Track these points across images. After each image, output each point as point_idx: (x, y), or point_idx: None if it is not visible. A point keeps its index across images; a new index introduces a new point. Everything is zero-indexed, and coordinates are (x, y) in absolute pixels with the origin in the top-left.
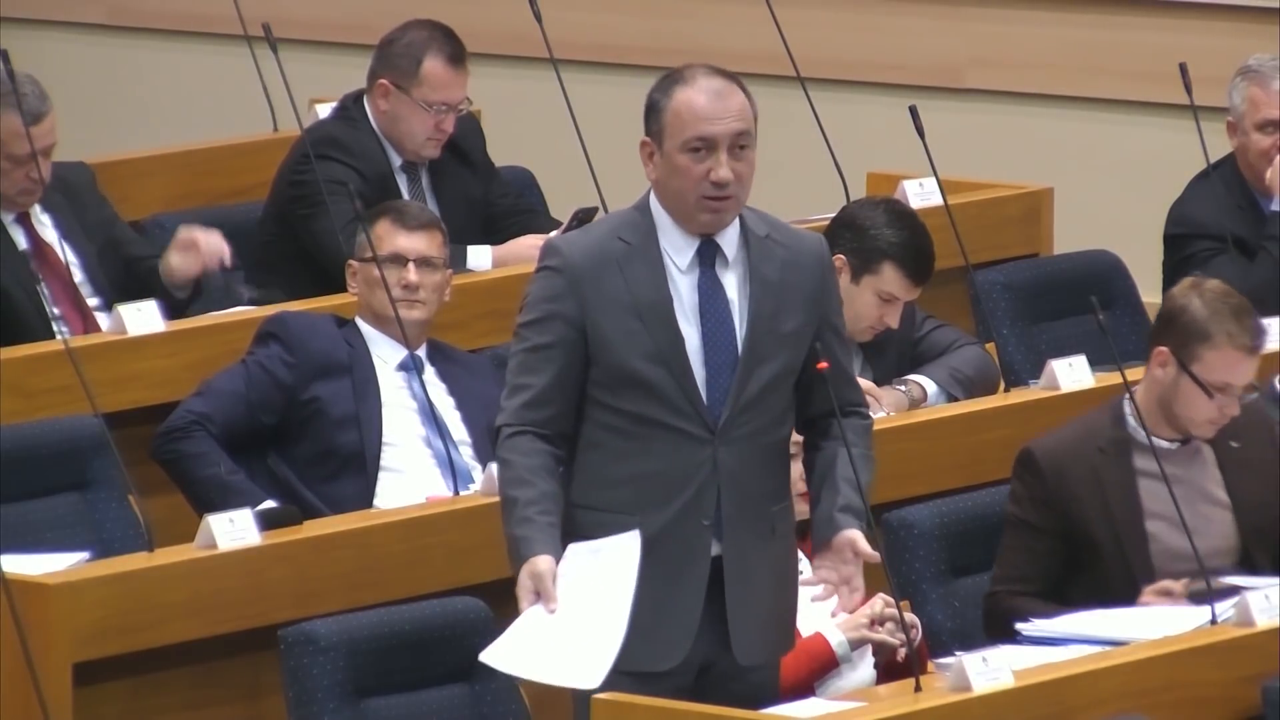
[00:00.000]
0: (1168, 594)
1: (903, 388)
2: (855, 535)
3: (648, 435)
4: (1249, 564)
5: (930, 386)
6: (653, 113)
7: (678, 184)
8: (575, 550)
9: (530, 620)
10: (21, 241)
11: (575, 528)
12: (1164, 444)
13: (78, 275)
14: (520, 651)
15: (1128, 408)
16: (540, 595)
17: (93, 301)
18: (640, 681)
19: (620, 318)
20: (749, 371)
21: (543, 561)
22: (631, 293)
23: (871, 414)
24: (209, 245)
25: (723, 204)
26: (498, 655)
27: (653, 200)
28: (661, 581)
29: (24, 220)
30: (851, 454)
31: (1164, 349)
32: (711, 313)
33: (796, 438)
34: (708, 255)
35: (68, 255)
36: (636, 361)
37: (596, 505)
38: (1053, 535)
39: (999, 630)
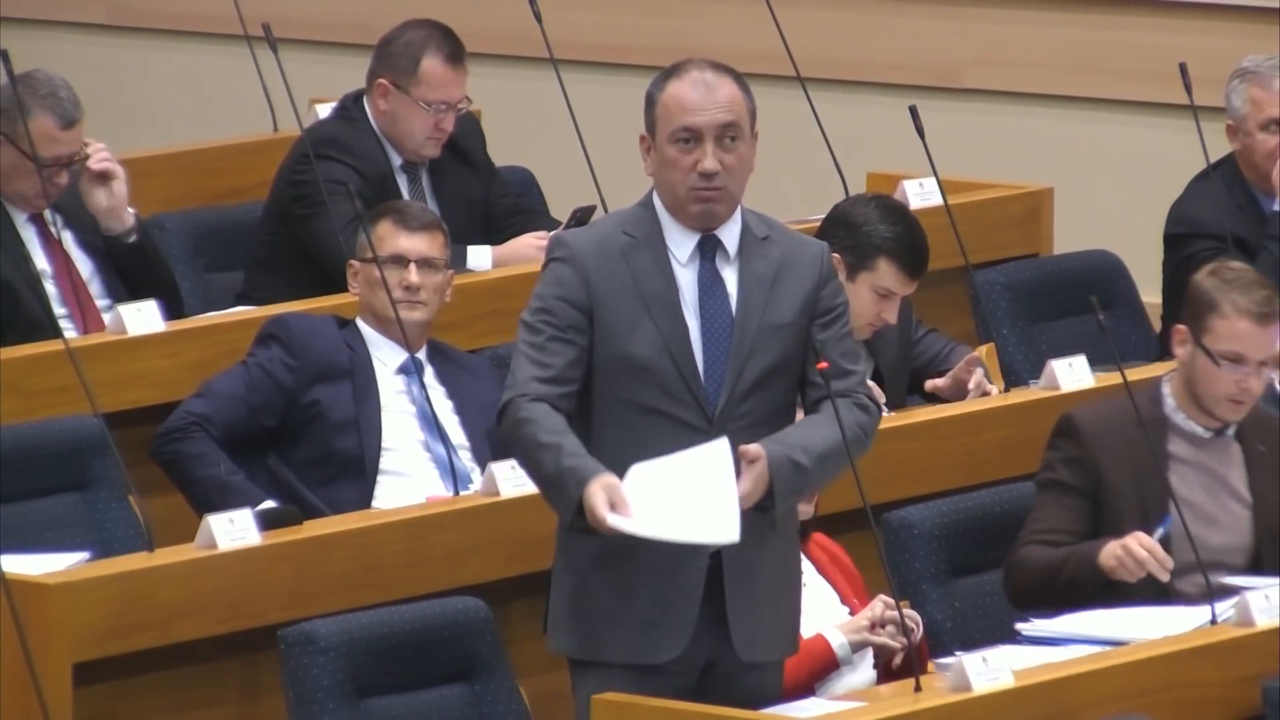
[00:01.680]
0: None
1: None
2: (753, 450)
3: (647, 425)
4: (1260, 563)
5: None
6: (647, 106)
7: (669, 176)
8: (639, 469)
9: (624, 517)
10: (33, 239)
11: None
12: (1198, 430)
13: (86, 274)
14: (646, 517)
15: (1165, 388)
16: (615, 504)
17: (102, 303)
18: (641, 678)
19: (626, 306)
20: (742, 362)
21: (610, 477)
22: (637, 283)
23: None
24: (98, 164)
25: (712, 194)
26: (626, 521)
27: (655, 195)
28: (659, 573)
29: (37, 220)
30: (838, 411)
31: (1182, 327)
32: (710, 304)
33: None
34: (708, 249)
35: (78, 255)
36: (640, 348)
37: None
38: (1084, 495)
39: (1011, 580)
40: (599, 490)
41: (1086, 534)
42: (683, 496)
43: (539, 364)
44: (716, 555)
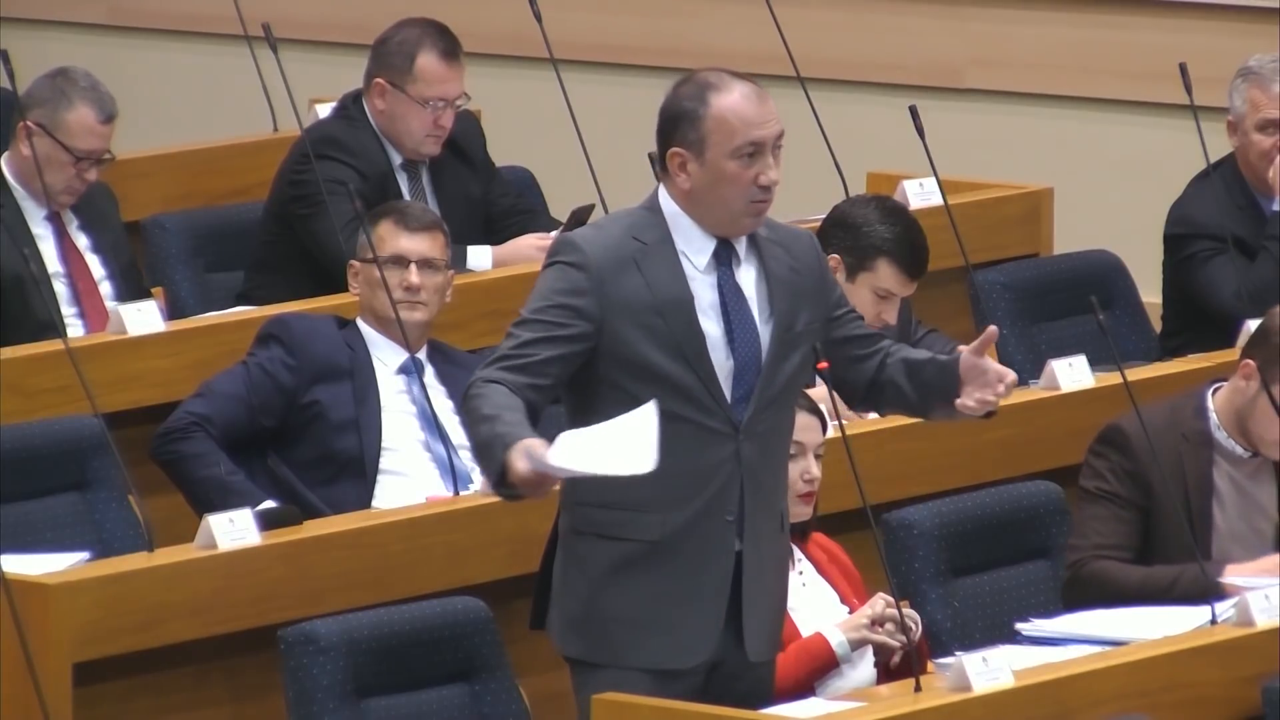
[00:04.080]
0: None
1: None
2: (966, 350)
3: (671, 432)
4: None
5: None
6: (687, 122)
7: (726, 191)
8: (566, 435)
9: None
10: (49, 237)
11: (595, 527)
12: (1238, 450)
13: (98, 277)
14: (567, 455)
15: (1210, 403)
16: (533, 458)
17: (112, 305)
18: (657, 682)
19: (641, 315)
20: (774, 369)
21: (537, 440)
22: (651, 290)
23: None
24: None
25: (766, 206)
26: (539, 462)
27: (664, 201)
28: (684, 578)
29: (54, 219)
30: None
31: (1251, 362)
32: (735, 311)
33: (805, 437)
34: (724, 256)
35: (92, 259)
36: (659, 358)
37: (617, 504)
38: (1138, 509)
39: (1085, 594)
40: (520, 450)
41: (1141, 548)
42: (604, 444)
43: (514, 355)
44: (737, 555)
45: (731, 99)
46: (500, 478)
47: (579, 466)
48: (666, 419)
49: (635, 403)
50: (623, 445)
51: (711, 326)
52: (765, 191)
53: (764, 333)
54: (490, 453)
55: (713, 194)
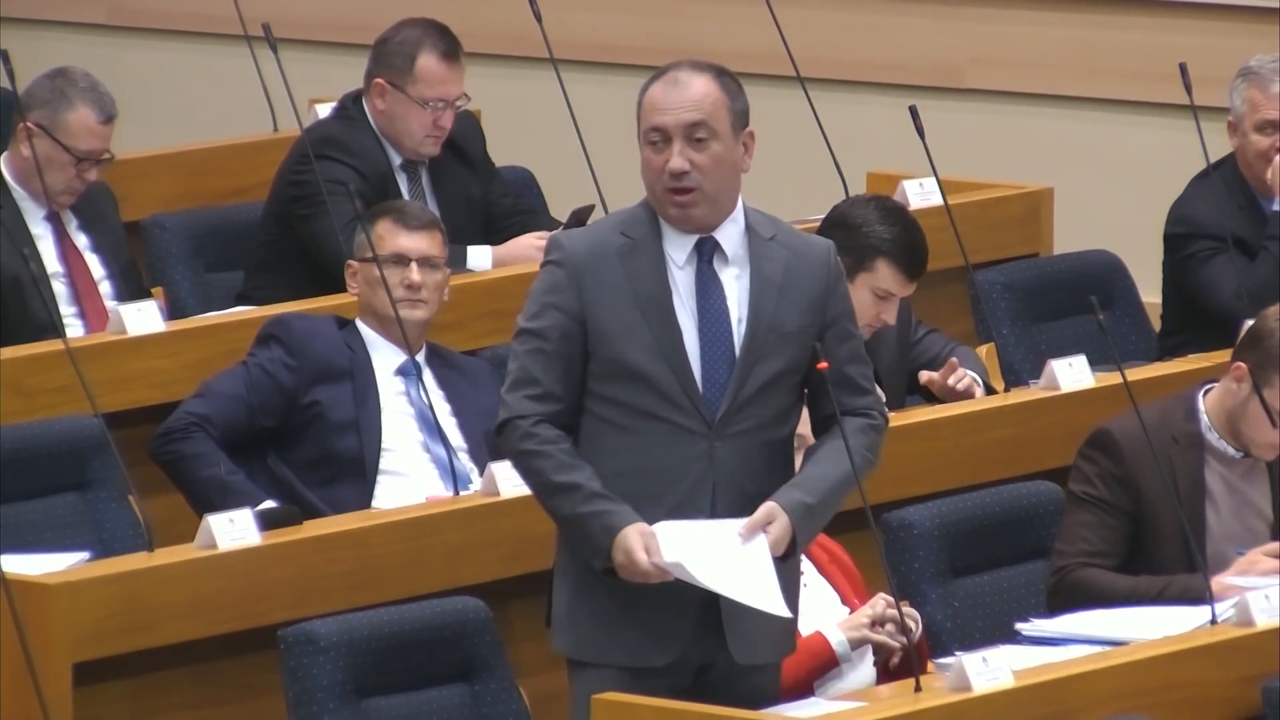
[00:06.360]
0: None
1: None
2: (770, 507)
3: (644, 429)
4: None
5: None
6: (637, 111)
7: (646, 177)
8: (664, 526)
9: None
10: (48, 237)
11: None
12: (1229, 450)
13: (98, 277)
14: (701, 568)
15: (1201, 405)
16: (650, 551)
17: (112, 305)
18: (637, 680)
19: (620, 310)
20: (748, 368)
21: (644, 524)
22: (631, 285)
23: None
24: None
25: (685, 197)
26: (677, 565)
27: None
28: None
29: (53, 219)
30: (848, 443)
31: (1243, 366)
32: (707, 308)
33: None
34: (706, 251)
35: (91, 258)
36: (635, 354)
37: None
38: (1125, 514)
39: (1070, 602)
40: (636, 535)
41: (1127, 554)
42: (722, 557)
43: (531, 381)
44: None
45: (653, 86)
46: (605, 557)
47: (713, 584)
48: (640, 416)
49: (612, 400)
50: (735, 554)
51: (689, 323)
52: (674, 179)
53: (739, 330)
54: (588, 534)
55: (645, 183)
